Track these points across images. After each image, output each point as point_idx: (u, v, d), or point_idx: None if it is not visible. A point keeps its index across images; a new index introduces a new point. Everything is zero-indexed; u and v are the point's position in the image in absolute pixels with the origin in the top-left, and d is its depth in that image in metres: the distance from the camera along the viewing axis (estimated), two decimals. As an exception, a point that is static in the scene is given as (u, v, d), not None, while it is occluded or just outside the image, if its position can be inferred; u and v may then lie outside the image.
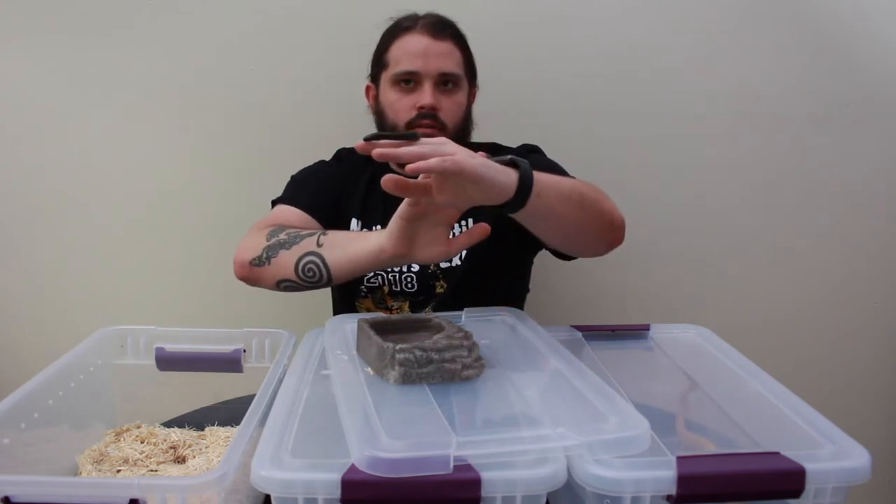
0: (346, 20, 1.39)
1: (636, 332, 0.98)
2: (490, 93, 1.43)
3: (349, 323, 0.92)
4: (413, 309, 1.17)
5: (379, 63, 1.16)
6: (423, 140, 0.73)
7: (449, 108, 1.12)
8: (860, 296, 1.55)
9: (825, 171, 1.49)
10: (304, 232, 0.98)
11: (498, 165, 0.75)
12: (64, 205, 1.49)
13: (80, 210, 1.49)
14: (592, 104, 1.45)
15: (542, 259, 1.36)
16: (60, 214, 1.50)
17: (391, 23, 1.16)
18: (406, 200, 0.83)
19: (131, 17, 1.41)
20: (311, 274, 0.95)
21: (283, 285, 0.98)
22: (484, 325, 0.94)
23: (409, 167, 0.70)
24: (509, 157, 0.78)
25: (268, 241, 0.99)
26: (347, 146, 1.28)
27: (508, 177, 0.75)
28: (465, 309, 0.98)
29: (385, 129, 1.15)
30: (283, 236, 0.98)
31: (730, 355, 0.89)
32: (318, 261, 0.93)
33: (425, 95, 1.10)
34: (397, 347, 0.74)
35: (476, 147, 1.22)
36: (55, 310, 1.54)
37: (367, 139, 0.73)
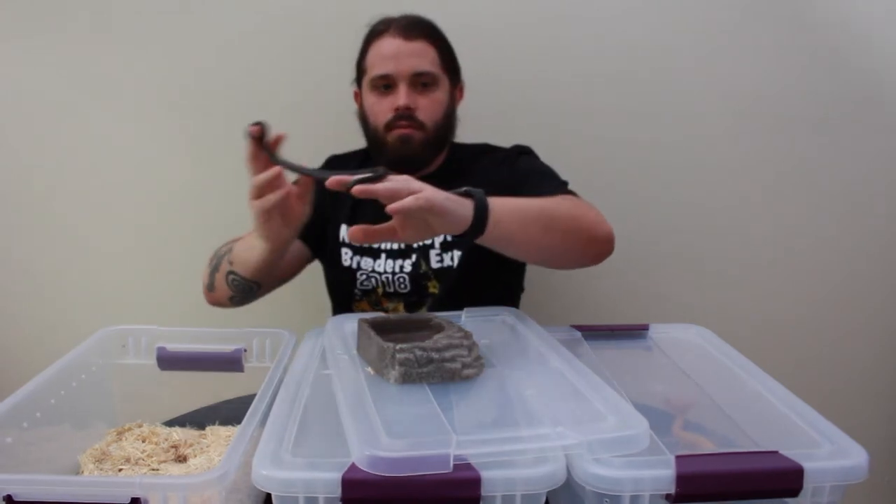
0: (347, 20, 1.38)
1: (635, 332, 0.98)
2: (490, 93, 1.43)
3: (349, 323, 0.92)
4: (408, 310, 1.18)
5: (360, 69, 1.17)
6: (391, 178, 0.77)
7: (426, 107, 1.13)
8: (860, 296, 1.55)
9: (825, 171, 1.49)
10: (223, 250, 1.03)
11: (456, 197, 0.80)
12: (64, 205, 1.49)
13: (81, 210, 1.49)
14: (592, 104, 1.45)
15: (542, 259, 1.37)
16: (61, 214, 1.50)
17: (368, 28, 1.17)
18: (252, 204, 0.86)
19: (131, 17, 1.41)
20: (242, 288, 1.01)
21: (235, 301, 1.05)
22: (484, 325, 0.94)
23: (388, 208, 0.75)
24: (465, 189, 0.82)
25: (209, 266, 1.06)
26: (338, 153, 1.29)
27: (465, 208, 0.80)
28: (465, 309, 0.98)
29: (368, 133, 1.17)
30: (214, 260, 1.05)
31: (729, 355, 0.89)
32: (237, 277, 0.99)
33: (400, 97, 1.11)
34: (397, 347, 0.74)
35: (465, 148, 1.25)
36: (56, 310, 1.54)
37: (334, 180, 0.78)
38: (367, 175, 0.76)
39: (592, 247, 0.95)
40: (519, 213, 0.87)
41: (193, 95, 1.44)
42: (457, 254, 1.15)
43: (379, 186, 0.75)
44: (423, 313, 0.91)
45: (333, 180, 0.77)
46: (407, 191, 0.75)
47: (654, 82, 1.44)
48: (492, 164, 1.19)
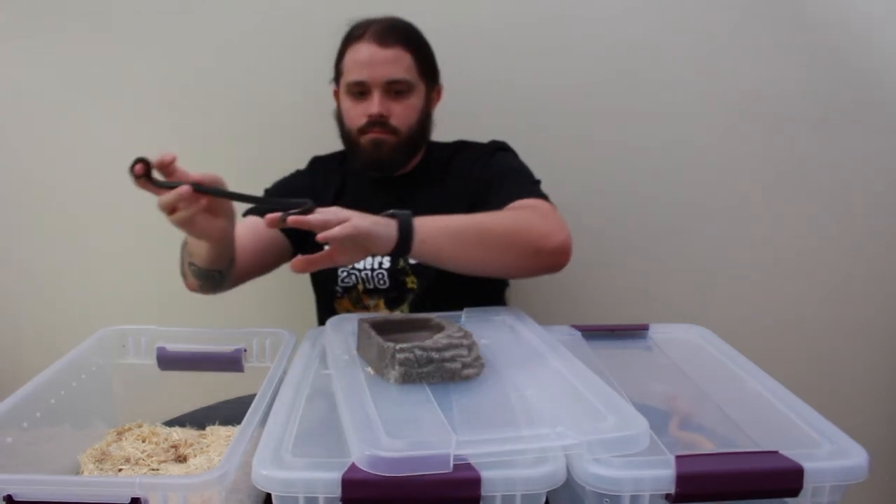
0: (346, 21, 1.39)
1: (635, 332, 0.98)
2: (489, 93, 1.43)
3: (349, 323, 0.93)
4: (389, 305, 1.19)
5: (337, 70, 1.18)
6: (320, 210, 0.84)
7: (400, 114, 1.14)
8: (860, 296, 1.55)
9: (825, 171, 1.49)
10: (184, 240, 1.04)
11: (384, 220, 0.88)
12: (64, 205, 1.49)
13: (81, 210, 1.49)
14: (592, 104, 1.45)
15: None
16: (61, 214, 1.50)
17: (348, 29, 1.17)
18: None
19: (131, 17, 1.41)
20: (203, 276, 1.02)
21: (204, 289, 1.06)
22: (484, 324, 0.94)
23: (319, 237, 0.83)
24: (391, 211, 0.90)
25: (180, 255, 1.07)
26: (320, 154, 1.30)
27: (391, 229, 0.88)
28: (465, 309, 0.98)
29: (343, 134, 1.19)
30: (181, 249, 1.06)
31: (728, 355, 0.89)
32: (195, 266, 1.00)
33: (373, 104, 1.12)
34: (397, 347, 0.74)
35: (442, 146, 1.25)
36: (57, 310, 1.54)
37: (273, 218, 0.83)
38: (296, 210, 0.84)
39: (538, 259, 0.98)
40: (448, 230, 0.93)
41: (193, 95, 1.44)
42: None
43: (311, 217, 0.83)
44: (423, 313, 0.91)
45: (269, 219, 0.83)
46: (336, 220, 0.83)
47: (654, 82, 1.44)
48: (466, 160, 1.21)
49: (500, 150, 1.22)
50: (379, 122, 1.13)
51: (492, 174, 1.16)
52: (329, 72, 1.21)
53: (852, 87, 1.45)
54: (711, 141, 1.48)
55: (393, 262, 1.17)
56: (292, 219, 0.82)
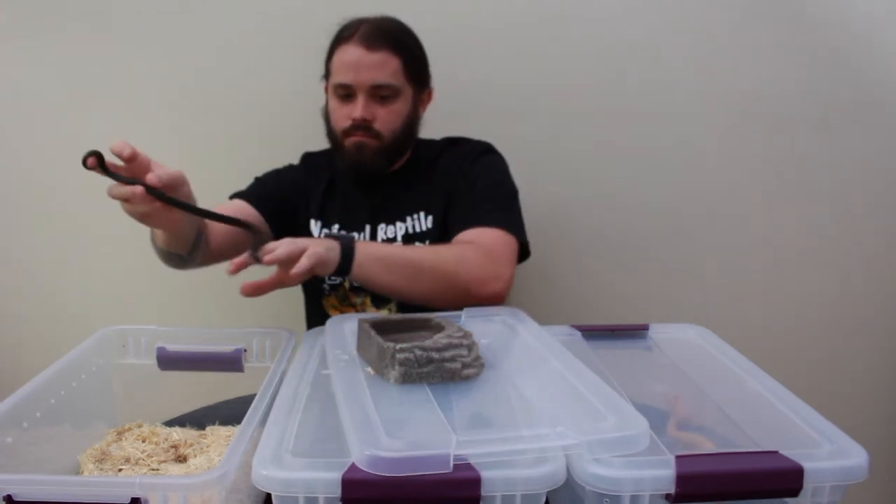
0: (346, 21, 1.39)
1: (635, 332, 0.98)
2: (489, 93, 1.43)
3: (349, 323, 0.92)
4: (375, 304, 1.20)
5: (327, 69, 1.19)
6: (278, 243, 0.89)
7: (385, 118, 1.14)
8: (860, 296, 1.55)
9: (825, 170, 1.49)
10: None
11: (329, 242, 0.95)
12: (64, 205, 1.49)
13: (81, 210, 1.49)
14: (592, 105, 1.45)
15: (543, 259, 1.37)
16: (61, 214, 1.50)
17: (339, 28, 1.17)
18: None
19: (131, 17, 1.41)
20: (167, 257, 1.04)
21: (176, 267, 1.08)
22: (484, 325, 0.94)
23: (291, 274, 0.88)
24: (337, 234, 1.00)
25: None
26: (312, 150, 1.31)
27: (336, 252, 0.95)
28: (465, 309, 0.98)
29: (328, 132, 1.20)
30: None
31: (728, 355, 0.89)
32: (157, 247, 1.03)
33: (357, 108, 1.13)
34: (397, 347, 0.74)
35: (430, 144, 1.26)
36: (56, 310, 1.54)
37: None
38: (253, 242, 0.89)
39: (467, 301, 1.00)
40: (383, 260, 0.99)
41: (193, 95, 1.44)
42: (418, 245, 1.17)
43: (279, 253, 0.87)
44: (423, 313, 0.92)
45: (235, 264, 0.88)
46: (299, 252, 0.88)
47: (654, 83, 1.44)
48: (455, 158, 1.22)
49: (486, 154, 1.22)
50: (362, 125, 1.13)
51: (468, 182, 1.18)
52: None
53: (852, 88, 1.45)
54: (711, 141, 1.48)
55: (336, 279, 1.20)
56: (267, 258, 0.87)
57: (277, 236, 1.20)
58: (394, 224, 1.21)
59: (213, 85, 1.44)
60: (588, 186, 1.49)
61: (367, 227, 1.22)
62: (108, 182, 0.82)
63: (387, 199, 1.22)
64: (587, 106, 1.45)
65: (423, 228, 1.20)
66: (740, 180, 1.49)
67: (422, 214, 1.20)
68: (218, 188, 1.47)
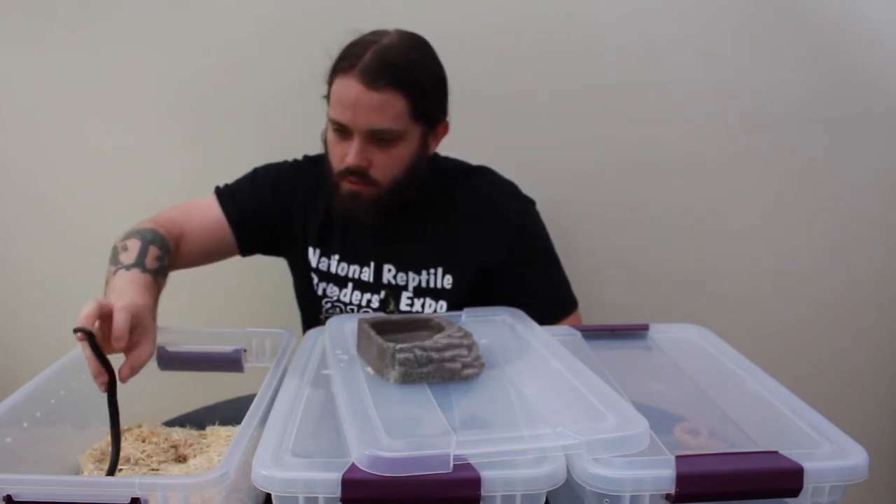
0: (346, 21, 1.39)
1: (635, 332, 0.98)
2: (490, 96, 1.43)
3: (349, 323, 0.92)
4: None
5: (328, 92, 1.05)
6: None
7: (382, 163, 1.02)
8: (860, 296, 1.55)
9: (825, 171, 1.49)
10: (120, 258, 1.02)
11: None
12: (65, 204, 1.49)
13: (81, 210, 1.49)
14: (592, 105, 1.45)
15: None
16: (61, 214, 1.50)
17: (341, 51, 1.04)
18: None
19: (131, 18, 1.41)
20: None
21: None
22: (484, 325, 0.94)
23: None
24: None
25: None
26: (311, 153, 1.23)
27: None
28: (465, 309, 0.98)
29: (325, 163, 1.09)
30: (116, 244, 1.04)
31: (728, 355, 0.89)
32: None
33: (352, 154, 1.01)
34: (398, 347, 0.74)
35: (444, 172, 1.14)
36: (57, 309, 1.53)
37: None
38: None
39: None
40: None
41: (192, 95, 1.44)
42: (429, 302, 1.12)
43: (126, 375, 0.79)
44: (424, 313, 0.91)
45: (101, 385, 0.79)
46: (140, 365, 0.81)
47: (657, 84, 1.44)
48: (486, 216, 1.12)
49: (532, 223, 1.14)
50: (357, 172, 1.02)
51: (522, 266, 1.12)
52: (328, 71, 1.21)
53: (854, 88, 1.45)
54: (712, 141, 1.47)
55: (383, 302, 1.13)
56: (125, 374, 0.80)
57: (240, 246, 1.15)
58: (405, 272, 1.12)
59: (213, 85, 1.44)
60: (588, 186, 1.48)
61: (372, 264, 1.13)
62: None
63: (394, 235, 1.12)
64: (588, 106, 1.45)
65: (440, 286, 1.11)
66: (741, 180, 1.49)
67: (440, 271, 1.11)
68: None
